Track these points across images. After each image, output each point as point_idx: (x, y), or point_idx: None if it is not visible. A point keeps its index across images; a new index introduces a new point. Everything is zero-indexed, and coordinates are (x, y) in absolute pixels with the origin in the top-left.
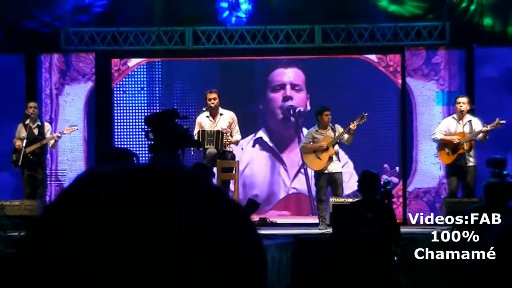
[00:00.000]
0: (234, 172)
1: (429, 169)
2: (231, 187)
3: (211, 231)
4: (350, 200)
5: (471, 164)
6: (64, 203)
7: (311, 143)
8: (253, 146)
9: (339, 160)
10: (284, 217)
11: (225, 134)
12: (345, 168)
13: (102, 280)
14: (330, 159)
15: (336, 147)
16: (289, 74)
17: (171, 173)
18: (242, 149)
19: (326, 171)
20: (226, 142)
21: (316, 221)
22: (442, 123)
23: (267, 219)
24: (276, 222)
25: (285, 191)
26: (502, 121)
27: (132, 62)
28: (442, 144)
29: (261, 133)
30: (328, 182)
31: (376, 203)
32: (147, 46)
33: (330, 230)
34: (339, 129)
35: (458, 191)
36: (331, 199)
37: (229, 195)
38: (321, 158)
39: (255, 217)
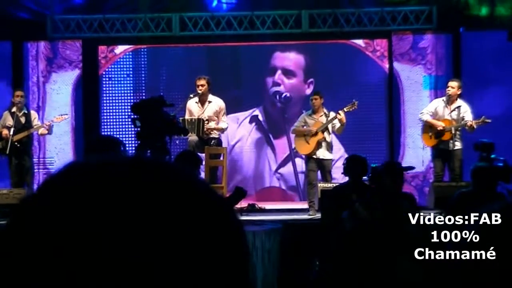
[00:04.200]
0: (222, 158)
1: (417, 153)
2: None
3: (189, 222)
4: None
5: (457, 147)
6: (45, 193)
7: (304, 127)
8: (250, 122)
9: (330, 147)
10: (272, 202)
11: (206, 122)
12: (337, 156)
13: (82, 268)
14: (319, 144)
15: (328, 135)
16: (283, 59)
17: (152, 166)
18: (237, 123)
19: (314, 156)
20: (209, 129)
21: (305, 206)
22: (431, 104)
23: (256, 205)
24: (264, 208)
25: (269, 176)
26: (488, 120)
27: (119, 49)
28: (427, 127)
29: (257, 112)
30: (318, 167)
31: (362, 186)
32: (134, 33)
33: (319, 215)
34: (332, 115)
35: (444, 174)
36: (319, 185)
37: (210, 186)
38: (309, 143)
39: (244, 203)
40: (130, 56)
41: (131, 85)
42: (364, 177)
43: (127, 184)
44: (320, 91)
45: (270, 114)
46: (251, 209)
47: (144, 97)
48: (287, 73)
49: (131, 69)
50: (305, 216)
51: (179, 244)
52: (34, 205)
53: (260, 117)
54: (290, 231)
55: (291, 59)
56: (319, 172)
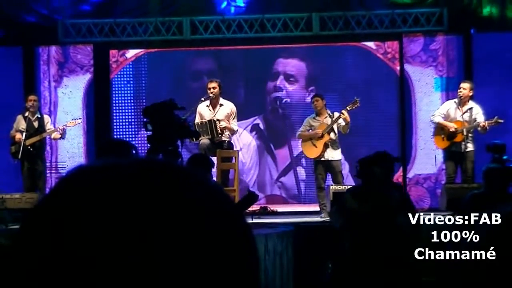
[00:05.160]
0: (234, 161)
1: (429, 155)
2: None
3: (196, 225)
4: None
5: (469, 149)
6: (55, 197)
7: (309, 131)
8: (251, 131)
9: (338, 148)
10: (285, 205)
11: (218, 122)
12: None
13: (94, 271)
14: (326, 146)
15: (334, 135)
16: (286, 65)
17: (163, 168)
18: (239, 132)
19: (323, 159)
20: (222, 129)
21: (317, 209)
22: (443, 106)
23: (268, 208)
24: (277, 211)
25: (270, 184)
26: (500, 120)
27: (130, 53)
28: (439, 129)
29: (258, 120)
30: (327, 170)
31: None
32: (145, 37)
33: None
34: (336, 116)
35: (456, 176)
36: (331, 187)
37: (221, 188)
38: (317, 146)
39: (255, 206)
40: (141, 60)
41: (143, 89)
42: None
43: (138, 186)
44: (321, 93)
45: (271, 122)
46: (263, 212)
47: (154, 101)
48: (289, 78)
49: (142, 73)
50: (317, 219)
51: (188, 247)
52: (45, 209)
53: (261, 126)
54: (302, 234)
55: (293, 65)
56: (329, 176)
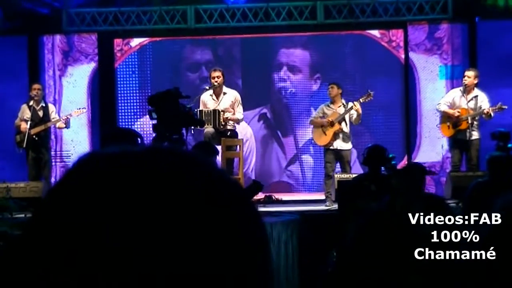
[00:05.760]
0: (238, 150)
1: (434, 143)
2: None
3: (207, 211)
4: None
5: (474, 137)
6: (67, 185)
7: (322, 118)
8: (258, 121)
9: (348, 138)
10: (289, 194)
11: (222, 113)
12: None
13: (106, 259)
14: (336, 135)
15: (345, 126)
16: (289, 55)
17: (171, 155)
18: (246, 121)
19: (332, 147)
20: (225, 119)
21: (322, 197)
22: (448, 94)
23: (273, 196)
24: (281, 199)
25: (279, 173)
26: (504, 106)
27: (135, 42)
28: (445, 117)
29: (265, 110)
30: (336, 158)
31: (381, 176)
32: (149, 26)
33: (336, 206)
34: (349, 106)
35: (462, 164)
36: (336, 175)
37: (229, 176)
38: (327, 134)
39: (260, 195)
40: (146, 49)
41: (148, 77)
42: (383, 168)
43: (148, 173)
44: (337, 81)
45: (278, 112)
46: (268, 200)
47: (152, 90)
48: (293, 68)
49: (147, 61)
50: (322, 207)
51: (200, 233)
52: (55, 198)
53: (268, 115)
54: (307, 222)
55: (296, 55)
56: (338, 164)
